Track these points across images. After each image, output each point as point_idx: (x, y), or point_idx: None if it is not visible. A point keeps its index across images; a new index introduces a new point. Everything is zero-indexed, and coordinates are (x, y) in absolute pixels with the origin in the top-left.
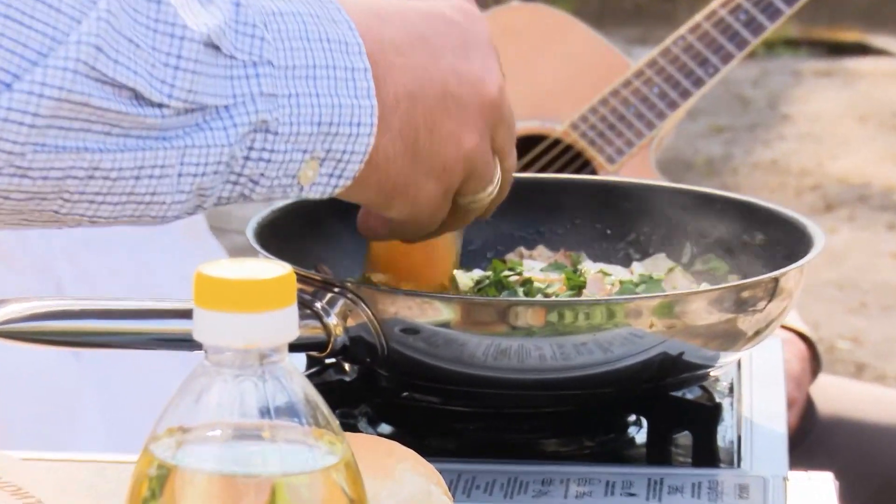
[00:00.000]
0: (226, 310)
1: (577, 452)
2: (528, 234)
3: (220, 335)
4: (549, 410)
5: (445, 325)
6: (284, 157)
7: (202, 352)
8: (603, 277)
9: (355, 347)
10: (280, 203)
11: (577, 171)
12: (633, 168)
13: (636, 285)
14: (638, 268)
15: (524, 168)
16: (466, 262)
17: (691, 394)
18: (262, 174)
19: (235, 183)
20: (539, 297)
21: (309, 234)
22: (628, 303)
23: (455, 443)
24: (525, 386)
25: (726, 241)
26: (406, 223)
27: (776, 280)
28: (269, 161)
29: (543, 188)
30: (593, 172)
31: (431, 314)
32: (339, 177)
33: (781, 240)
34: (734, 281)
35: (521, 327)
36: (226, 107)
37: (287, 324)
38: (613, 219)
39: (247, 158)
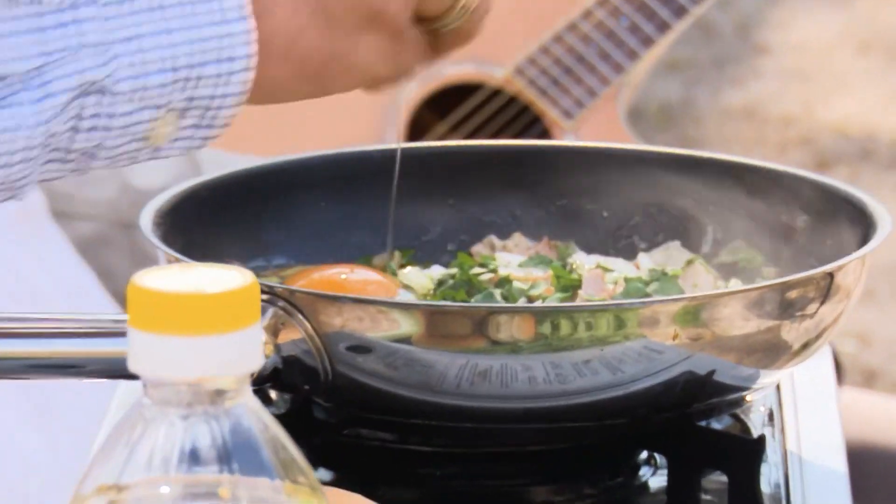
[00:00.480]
0: (171, 332)
1: (575, 502)
2: (499, 217)
3: (163, 365)
4: (539, 449)
5: (406, 340)
6: (128, 119)
7: (138, 384)
8: (602, 274)
9: (289, 371)
10: (182, 186)
11: (524, 131)
12: (598, 125)
13: (646, 283)
14: (645, 260)
15: (454, 128)
16: (421, 257)
17: (720, 424)
18: (98, 145)
19: (64, 161)
20: (522, 302)
21: (219, 225)
22: (643, 308)
23: (416, 492)
24: (509, 418)
25: (759, 224)
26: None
27: (831, 275)
28: (107, 129)
29: (516, 158)
30: (544, 133)
31: (388, 327)
32: (210, 126)
33: (830, 221)
34: (771, 276)
35: (504, 342)
36: (37, 69)
37: (250, 349)
38: (610, 196)
39: (75, 130)
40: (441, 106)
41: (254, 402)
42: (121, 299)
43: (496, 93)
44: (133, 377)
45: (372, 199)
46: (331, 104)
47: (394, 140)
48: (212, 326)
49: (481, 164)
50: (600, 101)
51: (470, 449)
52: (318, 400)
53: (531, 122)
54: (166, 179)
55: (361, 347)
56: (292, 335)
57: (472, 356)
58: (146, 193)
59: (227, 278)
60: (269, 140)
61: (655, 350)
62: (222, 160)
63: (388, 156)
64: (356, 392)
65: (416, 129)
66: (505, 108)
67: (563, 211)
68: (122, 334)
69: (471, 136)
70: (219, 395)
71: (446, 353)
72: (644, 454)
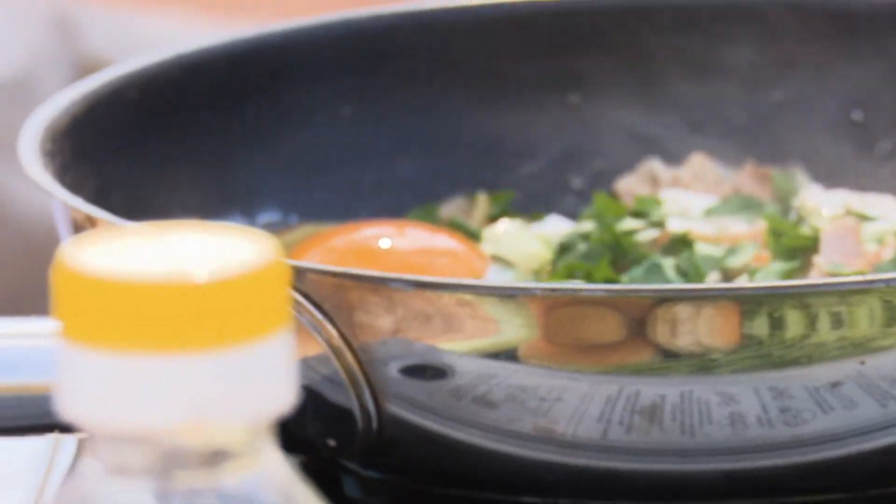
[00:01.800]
0: (135, 349)
1: None
2: (664, 125)
3: (121, 405)
4: None
5: (510, 353)
6: None
7: (72, 439)
8: (857, 225)
9: (302, 415)
10: (90, 84)
11: None
12: None
13: None
14: None
15: None
16: (525, 202)
17: None
18: None
19: None
20: (714, 280)
21: (159, 155)
22: None
23: None
24: (697, 488)
25: None
26: None
27: None
28: None
29: (696, 15)
30: None
31: (477, 331)
32: None
33: None
34: None
35: (686, 353)
36: None
37: (273, 377)
38: (864, 80)
39: None
40: None
41: (281, 472)
42: None
43: None
44: (66, 429)
45: (435, 97)
46: None
47: None
48: (207, 338)
49: (626, 24)
50: None
51: None
52: (351, 465)
53: None
54: (16, 63)
55: (430, 369)
56: (304, 350)
57: (627, 379)
58: None
59: (231, 251)
60: None
61: None
62: (125, 26)
63: (468, 16)
64: (419, 450)
65: None
66: None
67: (778, 111)
68: (44, 354)
69: None
70: (218, 457)
71: (582, 374)
72: None
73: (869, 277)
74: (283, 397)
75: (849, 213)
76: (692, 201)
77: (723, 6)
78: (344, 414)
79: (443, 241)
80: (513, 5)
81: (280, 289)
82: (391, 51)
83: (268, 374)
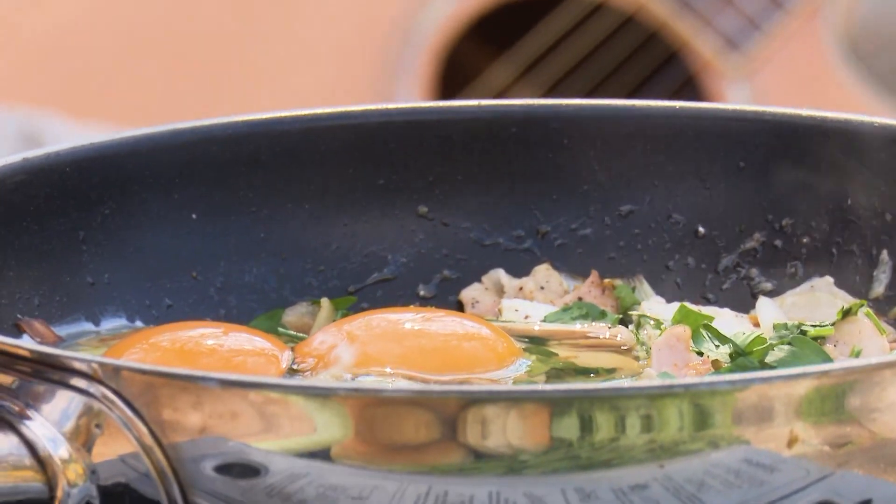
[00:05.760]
0: None
1: None
2: (511, 237)
3: None
4: None
5: (322, 453)
6: None
7: None
8: (687, 334)
9: None
10: None
11: (655, 77)
12: (788, 65)
13: (767, 350)
14: (768, 309)
15: (525, 72)
16: (371, 309)
17: None
18: None
19: None
20: (538, 381)
21: (6, 258)
22: (740, 390)
23: None
24: None
25: None
26: None
27: None
28: None
29: (536, 126)
30: (690, 80)
31: (291, 430)
32: None
33: None
34: None
35: (494, 453)
36: None
37: None
38: (710, 198)
39: None
40: (499, 33)
41: None
42: None
43: (597, 8)
44: None
45: (283, 205)
46: (307, 38)
47: (407, 96)
48: None
49: (474, 137)
50: (792, 21)
51: None
52: None
53: (666, 61)
54: None
55: (242, 468)
56: (117, 448)
57: (437, 479)
58: None
59: None
60: (195, 104)
61: (763, 465)
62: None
63: (317, 125)
64: None
65: (456, 72)
66: (616, 37)
67: (625, 225)
68: None
69: (554, 87)
70: None
71: (393, 473)
72: None
73: (672, 383)
74: None
75: (682, 321)
76: (535, 310)
77: (569, 119)
78: None
79: (262, 342)
80: (363, 115)
81: None
82: (240, 158)
83: None
